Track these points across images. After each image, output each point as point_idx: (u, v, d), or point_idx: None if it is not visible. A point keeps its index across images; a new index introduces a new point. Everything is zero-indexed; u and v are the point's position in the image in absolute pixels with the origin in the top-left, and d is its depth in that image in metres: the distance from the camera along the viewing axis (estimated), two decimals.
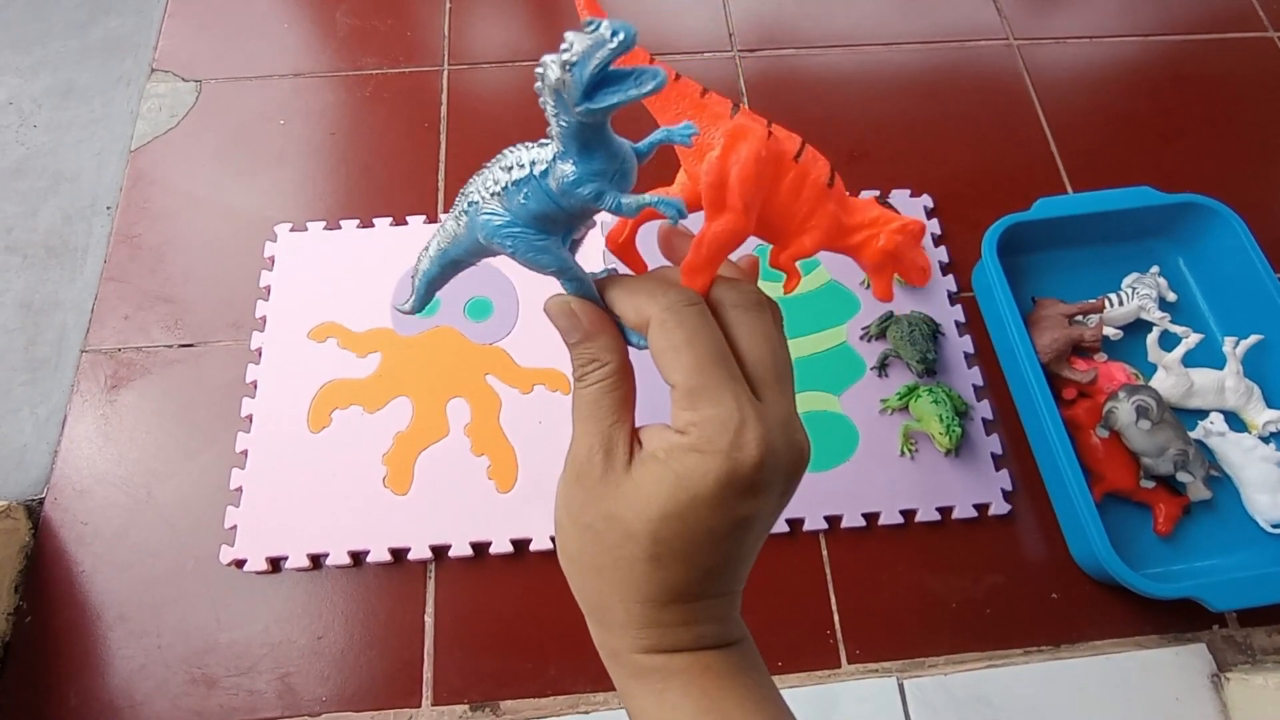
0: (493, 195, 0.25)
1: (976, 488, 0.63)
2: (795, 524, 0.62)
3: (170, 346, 0.67)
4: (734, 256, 0.27)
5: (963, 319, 0.69)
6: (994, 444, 0.64)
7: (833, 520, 0.62)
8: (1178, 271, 0.72)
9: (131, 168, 0.76)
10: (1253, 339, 0.65)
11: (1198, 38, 0.88)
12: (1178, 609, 0.60)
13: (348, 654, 0.57)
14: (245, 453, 0.62)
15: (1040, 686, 0.57)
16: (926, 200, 0.75)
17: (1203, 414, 0.65)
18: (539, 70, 0.22)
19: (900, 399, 0.65)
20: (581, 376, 0.26)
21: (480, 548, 0.60)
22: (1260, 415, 0.65)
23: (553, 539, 0.27)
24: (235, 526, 0.60)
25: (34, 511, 0.61)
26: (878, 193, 0.75)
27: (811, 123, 0.80)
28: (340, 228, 0.72)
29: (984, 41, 0.86)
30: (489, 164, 0.25)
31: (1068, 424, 0.62)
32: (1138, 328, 0.68)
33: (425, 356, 0.66)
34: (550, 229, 0.25)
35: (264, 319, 0.67)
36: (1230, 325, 0.68)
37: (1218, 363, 0.66)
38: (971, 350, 0.68)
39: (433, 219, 0.73)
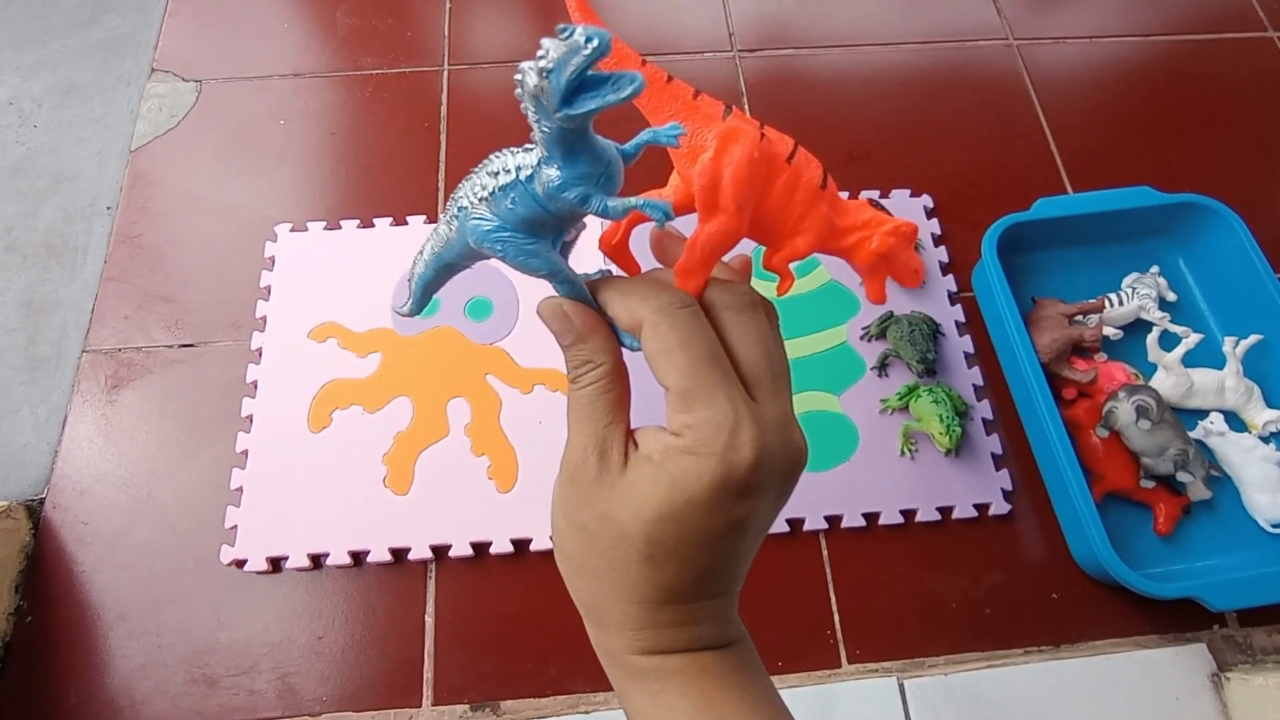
0: (481, 200, 0.25)
1: (976, 488, 0.63)
2: (795, 524, 0.62)
3: (170, 346, 0.67)
4: (726, 258, 0.27)
5: (963, 319, 0.69)
6: (994, 444, 0.64)
7: (833, 520, 0.62)
8: (1178, 271, 0.72)
9: (132, 168, 0.76)
10: (1253, 339, 0.65)
11: (1198, 38, 0.88)
12: (1178, 609, 0.60)
13: (348, 654, 0.57)
14: (245, 453, 0.62)
15: (1040, 686, 0.57)
16: (926, 200, 0.75)
17: (1203, 414, 0.65)
18: (517, 77, 0.22)
19: (900, 399, 0.65)
20: (575, 378, 0.26)
21: (480, 548, 0.60)
22: (1260, 415, 0.65)
23: (552, 539, 0.28)
24: (236, 526, 0.60)
25: (34, 511, 0.61)
26: (878, 193, 0.75)
27: (811, 123, 0.80)
28: (340, 228, 0.72)
29: (984, 41, 0.86)
30: (477, 169, 0.25)
31: (1068, 424, 0.62)
32: (1138, 328, 0.68)
33: (425, 356, 0.66)
34: (539, 233, 0.25)
35: (264, 319, 0.68)
36: (1230, 325, 0.68)
37: (1218, 363, 0.66)
38: (971, 350, 0.68)
39: (433, 219, 0.73)
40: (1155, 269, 0.71)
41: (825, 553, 0.61)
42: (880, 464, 0.63)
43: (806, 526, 0.61)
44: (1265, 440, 0.64)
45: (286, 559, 0.59)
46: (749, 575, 0.28)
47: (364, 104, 0.80)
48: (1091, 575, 0.61)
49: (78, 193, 0.75)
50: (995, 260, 0.64)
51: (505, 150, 0.25)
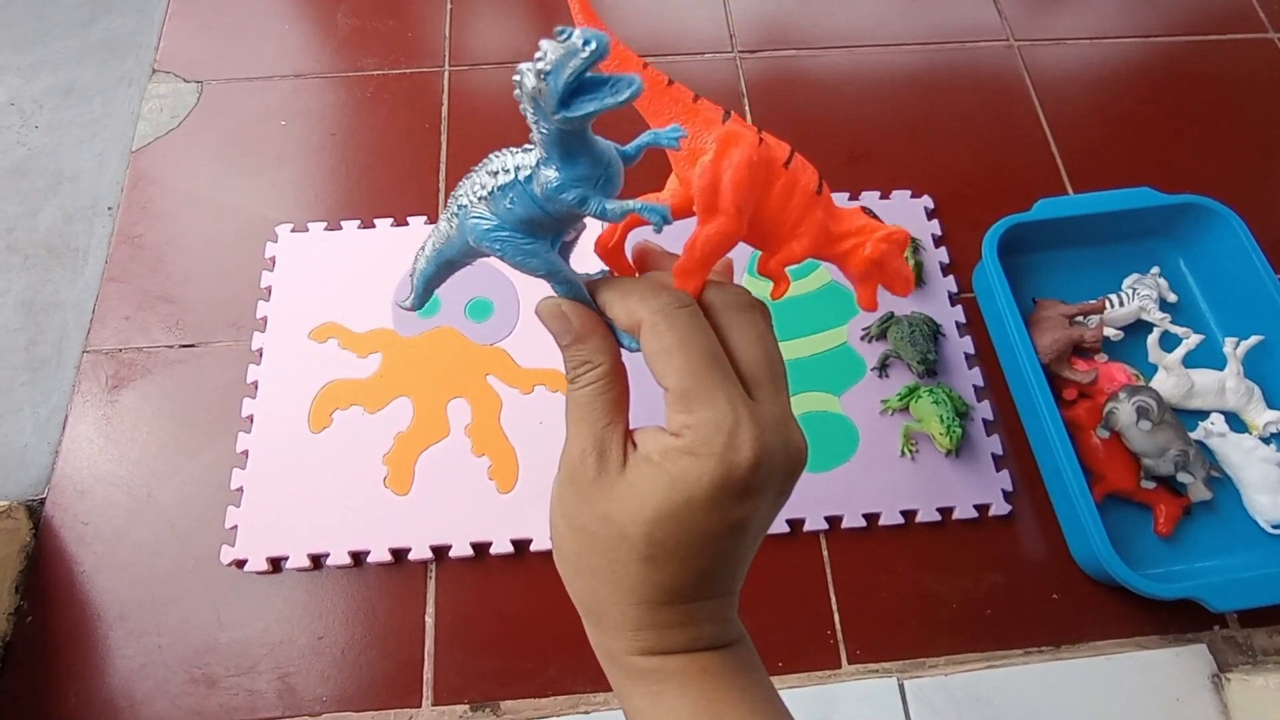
0: (480, 199, 0.25)
1: (977, 488, 0.63)
2: (795, 524, 0.62)
3: (171, 347, 0.67)
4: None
5: (963, 319, 0.69)
6: (994, 444, 0.64)
7: (833, 520, 0.62)
8: (1178, 272, 0.72)
9: (132, 168, 0.76)
10: (1253, 340, 0.65)
11: (1198, 38, 0.88)
12: (1178, 609, 0.60)
13: (348, 654, 0.57)
14: (246, 453, 0.62)
15: (1040, 687, 0.57)
16: (927, 200, 0.75)
17: (1203, 415, 0.65)
18: (516, 79, 0.22)
19: (901, 399, 0.65)
20: (574, 379, 0.26)
21: (481, 548, 0.60)
22: (1261, 416, 0.65)
23: (551, 540, 0.28)
24: (236, 526, 0.60)
25: (35, 511, 0.61)
26: (878, 193, 0.75)
27: (811, 123, 0.80)
28: (341, 228, 0.72)
29: (984, 42, 0.86)
30: (477, 168, 0.25)
31: (1068, 424, 0.62)
32: (1138, 328, 0.68)
33: (426, 357, 0.66)
34: (537, 233, 0.25)
35: (265, 319, 0.68)
36: (1230, 326, 0.68)
37: (1218, 363, 0.66)
38: (972, 351, 0.68)
39: (433, 220, 0.73)
40: (1156, 270, 0.71)
41: (825, 553, 0.61)
42: (880, 464, 0.63)
43: (807, 527, 0.61)
44: (1266, 441, 0.64)
45: (287, 559, 0.59)
46: (749, 575, 0.28)
47: (364, 105, 0.80)
48: (1092, 576, 0.61)
49: (78, 193, 0.75)
50: (996, 261, 0.64)
51: (505, 150, 0.25)
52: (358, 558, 0.60)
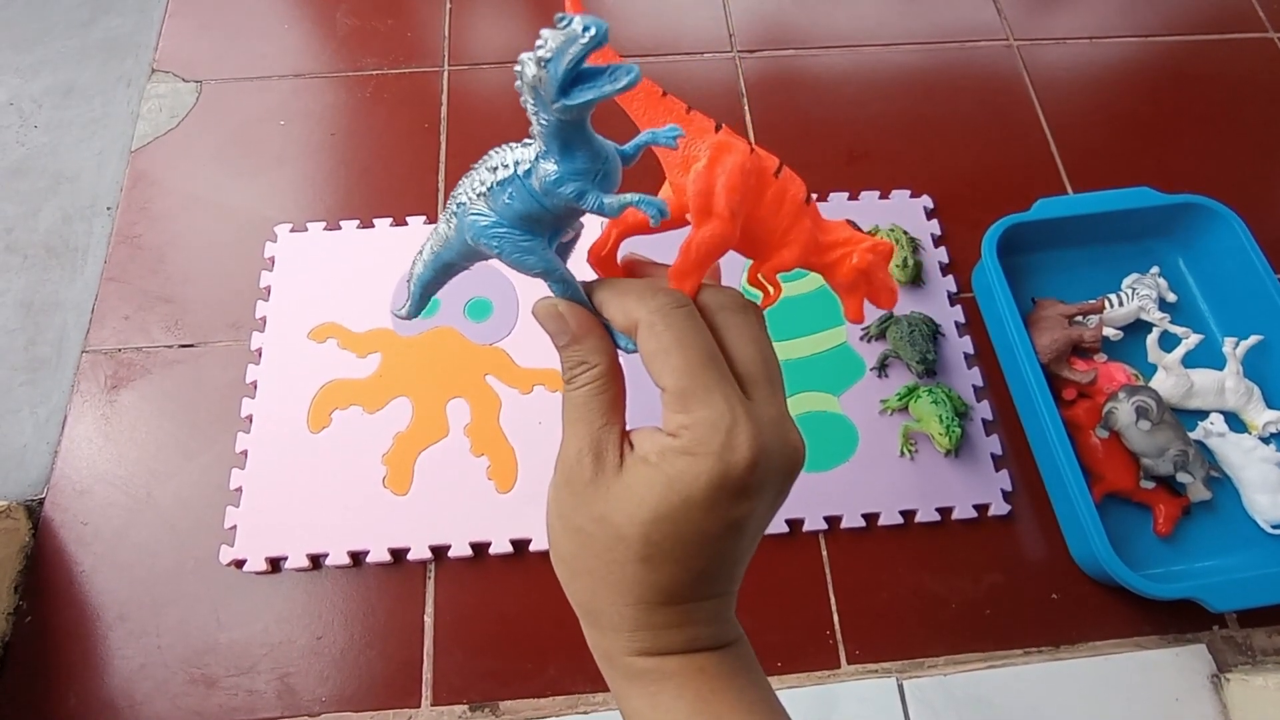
0: (479, 196, 0.25)
1: (976, 488, 0.63)
2: (795, 524, 0.62)
3: (170, 347, 0.67)
4: None
5: (962, 319, 0.69)
6: (994, 444, 0.64)
7: (832, 520, 0.62)
8: (1178, 272, 0.72)
9: (132, 168, 0.76)
10: (1253, 339, 0.65)
11: (1198, 38, 0.88)
12: (1178, 609, 0.60)
13: (347, 654, 0.57)
14: (245, 453, 0.62)
15: (1040, 687, 0.57)
16: (926, 201, 0.75)
17: (1203, 414, 0.65)
18: (517, 68, 0.22)
19: (900, 399, 0.65)
20: (570, 379, 0.26)
21: (480, 548, 0.60)
22: (1260, 416, 0.65)
23: (548, 541, 0.28)
24: (235, 526, 0.60)
25: (34, 511, 0.61)
26: (878, 193, 0.75)
27: (811, 123, 0.80)
28: (340, 228, 0.72)
29: (984, 42, 0.86)
30: (476, 165, 0.25)
31: (1067, 424, 0.62)
32: (1137, 328, 0.68)
33: (425, 357, 0.66)
34: (536, 229, 0.25)
35: (264, 319, 0.68)
36: (1230, 326, 0.68)
37: (1218, 363, 0.66)
38: (971, 351, 0.68)
39: (433, 220, 0.73)
40: (1155, 269, 0.71)
41: (825, 553, 0.61)
42: (880, 464, 0.63)
43: (806, 527, 0.61)
44: (1265, 441, 0.64)
45: (286, 559, 0.59)
46: (748, 575, 0.28)
47: (364, 104, 0.80)
48: (1091, 576, 0.61)
49: (78, 193, 0.75)
50: (995, 261, 0.64)
51: (505, 145, 0.25)
52: (357, 558, 0.60)
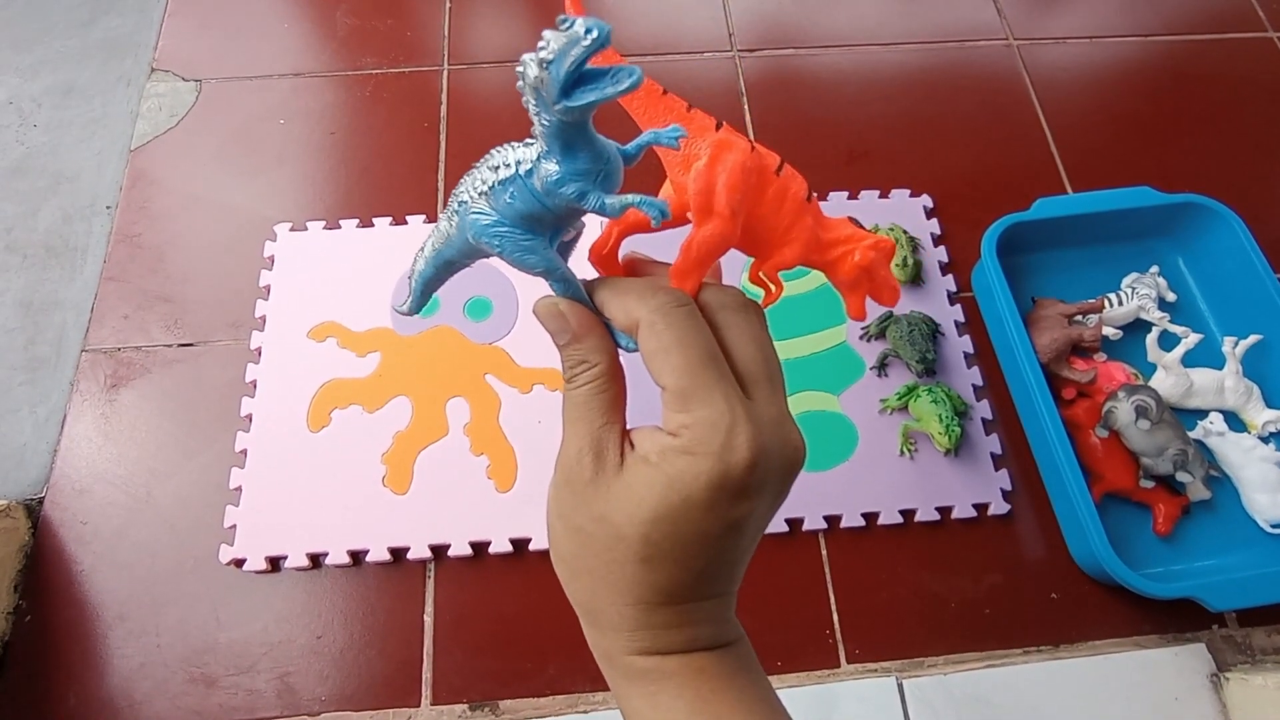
0: (480, 194, 0.25)
1: (976, 487, 0.63)
2: (794, 524, 0.62)
3: (170, 346, 0.67)
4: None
5: (962, 319, 0.69)
6: (993, 444, 0.64)
7: (832, 520, 0.62)
8: (1177, 271, 0.72)
9: (131, 167, 0.76)
10: (1252, 339, 0.65)
11: (1198, 38, 0.88)
12: (1177, 609, 0.60)
13: (347, 653, 0.57)
14: (245, 452, 0.62)
15: (1040, 686, 0.57)
16: (926, 200, 0.75)
17: (1202, 414, 0.65)
18: (519, 69, 0.22)
19: (900, 399, 0.65)
20: (571, 378, 0.26)
21: (479, 547, 0.60)
22: (1260, 415, 0.65)
23: (548, 540, 0.28)
24: (235, 526, 0.60)
25: (33, 511, 0.61)
26: (877, 193, 0.75)
27: (811, 123, 0.80)
28: (340, 227, 0.72)
29: (984, 42, 0.86)
30: (478, 164, 0.25)
31: (1067, 424, 0.62)
32: (1137, 328, 0.68)
33: (425, 356, 0.66)
34: (537, 229, 0.25)
35: (264, 318, 0.68)
36: (1230, 325, 0.68)
37: (1217, 363, 0.66)
38: (971, 350, 0.68)
39: (432, 219, 0.73)
40: (1155, 269, 0.71)
41: (824, 552, 0.61)
42: (879, 464, 0.63)
43: (806, 526, 0.61)
44: (1265, 440, 0.64)
45: (285, 558, 0.59)
46: (748, 575, 0.28)
47: (364, 104, 0.80)
48: (1091, 575, 0.61)
49: (77, 193, 0.75)
50: (995, 260, 0.64)
51: (506, 145, 0.25)
52: (356, 557, 0.60)
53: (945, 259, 0.72)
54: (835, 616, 0.59)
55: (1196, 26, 0.88)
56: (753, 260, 0.29)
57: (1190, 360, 0.65)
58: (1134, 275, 0.70)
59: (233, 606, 0.58)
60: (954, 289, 0.71)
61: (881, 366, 0.67)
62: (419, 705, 0.56)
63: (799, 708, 0.54)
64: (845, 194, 0.75)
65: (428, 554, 0.59)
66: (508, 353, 0.67)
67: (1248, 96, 0.84)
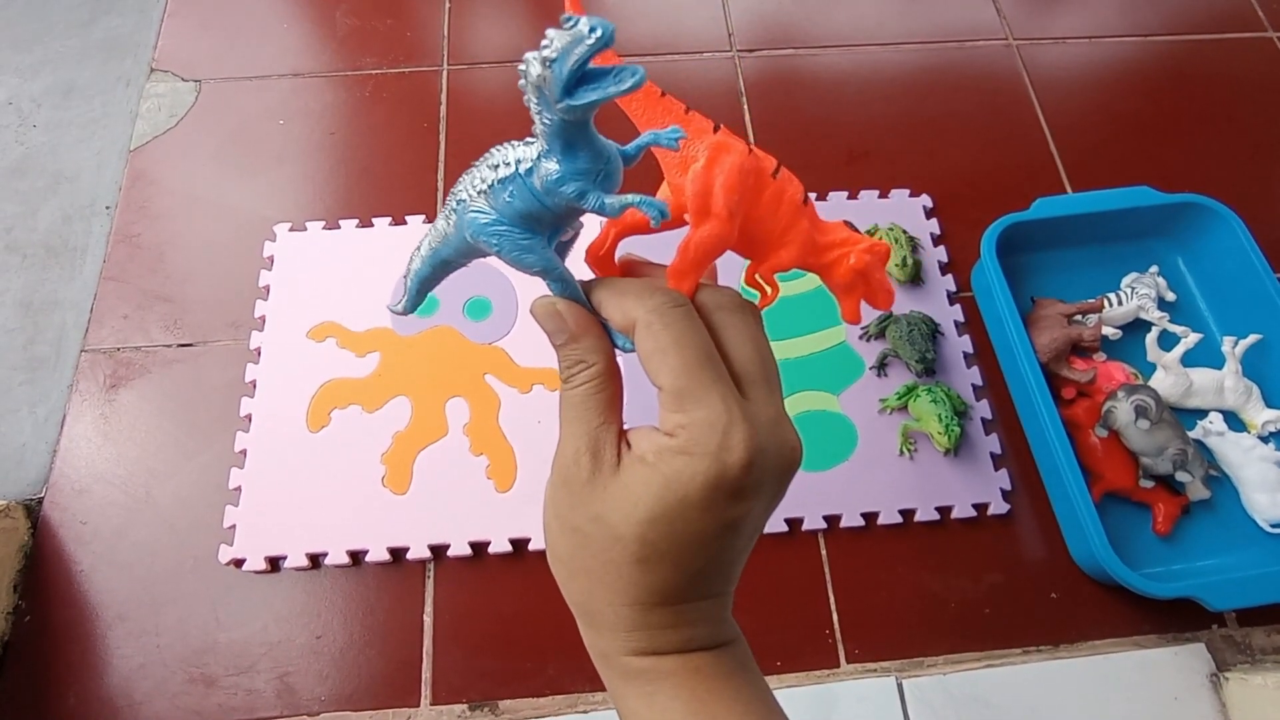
0: (480, 193, 0.25)
1: (975, 487, 0.63)
2: (794, 523, 0.62)
3: (169, 346, 0.67)
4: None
5: (962, 319, 0.69)
6: (993, 444, 0.64)
7: (831, 520, 0.61)
8: (1177, 271, 0.72)
9: (131, 167, 0.76)
10: (1252, 339, 0.65)
11: (1198, 38, 0.88)
12: (1177, 609, 0.60)
13: (347, 653, 0.57)
14: (244, 452, 0.62)
15: (1039, 686, 0.57)
16: (926, 200, 0.75)
17: (1202, 413, 0.65)
18: (521, 68, 0.22)
19: (899, 398, 0.65)
20: (568, 378, 0.26)
21: (479, 547, 0.60)
22: (1259, 415, 0.65)
23: (545, 541, 0.28)
24: (234, 526, 0.60)
25: (33, 511, 0.61)
26: (877, 193, 0.75)
27: (811, 123, 0.80)
28: (339, 227, 0.72)
29: (984, 42, 0.86)
30: (477, 162, 0.25)
31: (1067, 424, 0.62)
32: (1137, 327, 0.68)
33: (424, 356, 0.66)
34: (536, 228, 0.25)
35: (263, 318, 0.68)
36: (1229, 325, 0.68)
37: (1217, 362, 0.66)
38: (970, 350, 0.68)
39: (431, 219, 0.72)
40: (1154, 269, 0.71)
41: (824, 552, 0.61)
42: (879, 464, 0.63)
43: (805, 526, 0.61)
44: (1264, 440, 0.64)
45: (285, 558, 0.59)
46: (747, 575, 0.28)
47: (363, 104, 0.80)
48: (1090, 575, 0.61)
49: (77, 193, 0.75)
50: (994, 260, 0.64)
51: (506, 144, 0.25)
52: (356, 557, 0.60)
53: (945, 259, 0.72)
54: (835, 616, 0.59)
55: (1196, 26, 0.88)
56: (749, 262, 0.29)
57: (1190, 360, 0.65)
58: (1133, 275, 0.70)
59: (232, 606, 0.58)
60: (954, 289, 0.71)
61: (881, 366, 0.67)
62: (418, 705, 0.56)
63: (798, 708, 0.54)
64: (845, 194, 0.75)
65: (427, 554, 0.59)
66: (507, 353, 0.67)
67: (1248, 96, 0.84)
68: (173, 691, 0.56)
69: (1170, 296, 0.70)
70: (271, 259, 0.70)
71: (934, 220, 0.74)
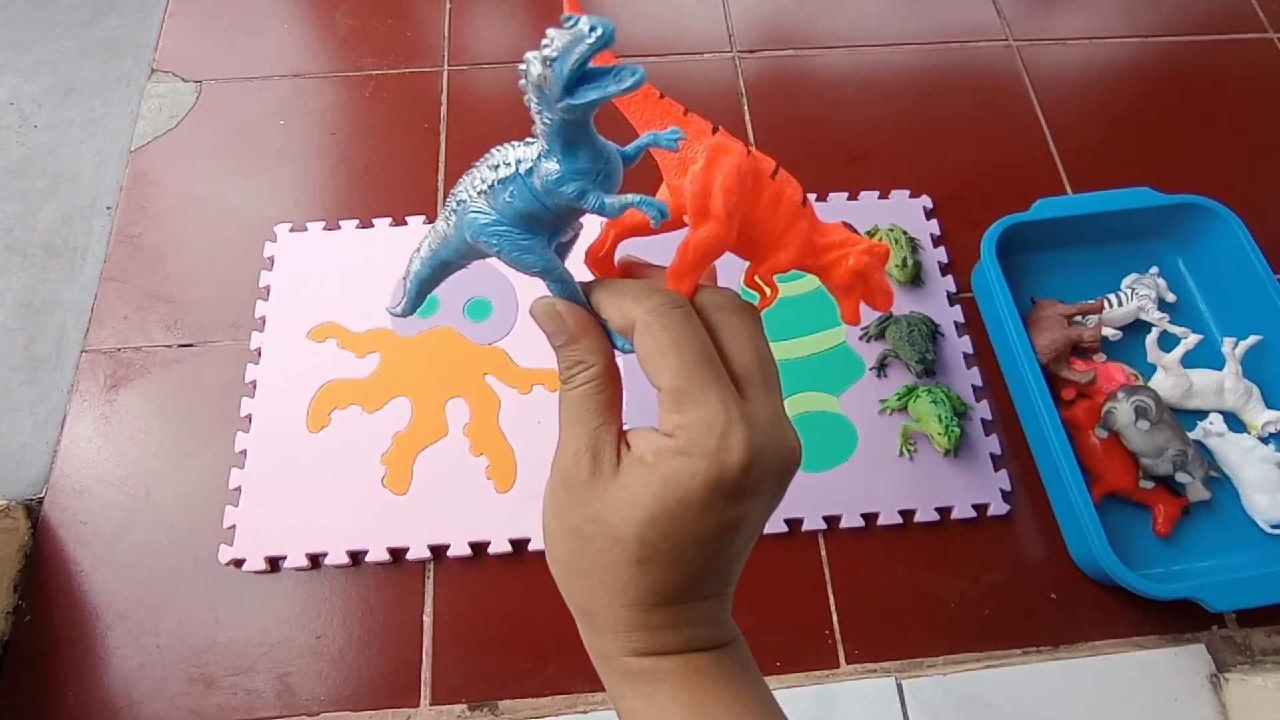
0: (480, 194, 0.25)
1: (975, 488, 0.63)
2: (794, 524, 0.62)
3: (170, 346, 0.67)
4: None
5: (962, 319, 0.69)
6: (993, 444, 0.64)
7: (831, 520, 0.61)
8: (1177, 272, 0.72)
9: (131, 168, 0.76)
10: (1252, 339, 0.65)
11: (1198, 38, 0.88)
12: (1177, 609, 0.60)
13: (346, 653, 0.57)
14: (244, 452, 0.62)
15: (1039, 687, 0.57)
16: (926, 200, 0.75)
17: (1202, 414, 0.65)
18: (522, 67, 0.22)
19: (899, 399, 0.65)
20: (567, 379, 0.26)
21: (479, 547, 0.60)
22: (1259, 416, 0.65)
23: (544, 541, 0.28)
24: (234, 526, 0.60)
25: (33, 511, 0.61)
26: (877, 193, 0.75)
27: (811, 123, 0.80)
28: (340, 228, 0.72)
29: (984, 42, 0.86)
30: (478, 162, 0.25)
31: (1067, 424, 0.62)
32: (1137, 328, 0.68)
33: (424, 356, 0.66)
34: (536, 228, 0.25)
35: (263, 319, 0.68)
36: (1229, 326, 0.68)
37: (1217, 363, 0.66)
38: (970, 351, 0.68)
39: (432, 219, 0.73)
40: (1154, 269, 0.71)
41: (824, 553, 0.61)
42: (879, 464, 0.63)
43: (805, 527, 0.61)
44: (1264, 441, 0.64)
45: (285, 559, 0.59)
46: (747, 575, 0.28)
47: (364, 104, 0.80)
48: (1090, 576, 0.61)
49: (77, 193, 0.75)
50: (994, 261, 0.64)
51: (506, 144, 0.25)
52: (356, 557, 0.60)
53: (945, 259, 0.72)
54: (835, 617, 0.59)
55: (1196, 27, 0.88)
56: (748, 264, 0.29)
57: (1190, 361, 0.65)
58: (1133, 276, 0.70)
59: (232, 607, 0.58)
60: (954, 289, 0.71)
61: (881, 367, 0.67)
62: (418, 705, 0.56)
63: (798, 708, 0.54)
64: (845, 194, 0.75)
65: (427, 554, 0.59)
66: (507, 353, 0.67)
67: (1248, 97, 0.84)
68: (172, 691, 0.56)
69: (1170, 297, 0.70)
70: (272, 259, 0.70)
71: (934, 221, 0.74)
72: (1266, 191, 0.78)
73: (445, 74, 0.82)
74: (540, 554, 0.60)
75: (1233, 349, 0.65)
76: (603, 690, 0.56)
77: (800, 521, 0.61)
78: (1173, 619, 0.60)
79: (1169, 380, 0.65)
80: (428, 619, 0.58)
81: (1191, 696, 0.57)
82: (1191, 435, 0.63)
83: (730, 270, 0.29)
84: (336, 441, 0.63)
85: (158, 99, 0.79)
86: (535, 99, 0.23)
